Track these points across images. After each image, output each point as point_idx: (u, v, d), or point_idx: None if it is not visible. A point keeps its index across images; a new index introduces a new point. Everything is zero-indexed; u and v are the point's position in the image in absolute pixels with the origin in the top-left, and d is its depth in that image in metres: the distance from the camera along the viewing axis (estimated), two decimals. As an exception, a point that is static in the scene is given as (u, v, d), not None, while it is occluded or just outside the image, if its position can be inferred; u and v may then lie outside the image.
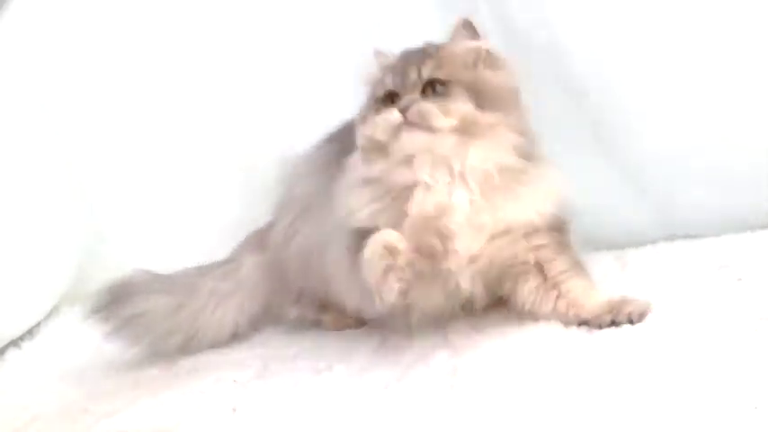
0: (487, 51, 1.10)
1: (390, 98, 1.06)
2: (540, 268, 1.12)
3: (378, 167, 1.07)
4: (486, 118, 1.04)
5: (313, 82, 1.65)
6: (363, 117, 1.10)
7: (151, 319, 1.32)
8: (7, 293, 1.47)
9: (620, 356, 1.01)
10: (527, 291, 1.12)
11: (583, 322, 1.09)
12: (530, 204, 1.09)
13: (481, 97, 1.05)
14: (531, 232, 1.10)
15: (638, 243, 1.49)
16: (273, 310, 1.42)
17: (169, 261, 1.51)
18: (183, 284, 1.37)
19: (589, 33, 1.42)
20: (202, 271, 1.41)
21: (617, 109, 1.46)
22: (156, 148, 1.71)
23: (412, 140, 1.03)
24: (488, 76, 1.09)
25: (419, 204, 1.04)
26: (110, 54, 1.68)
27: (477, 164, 1.05)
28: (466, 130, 1.04)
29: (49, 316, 1.64)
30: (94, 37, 1.68)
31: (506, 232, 1.09)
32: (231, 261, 1.43)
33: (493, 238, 1.08)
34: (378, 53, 1.15)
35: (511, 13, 1.45)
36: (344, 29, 1.60)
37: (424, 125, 1.02)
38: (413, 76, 1.04)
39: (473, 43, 1.10)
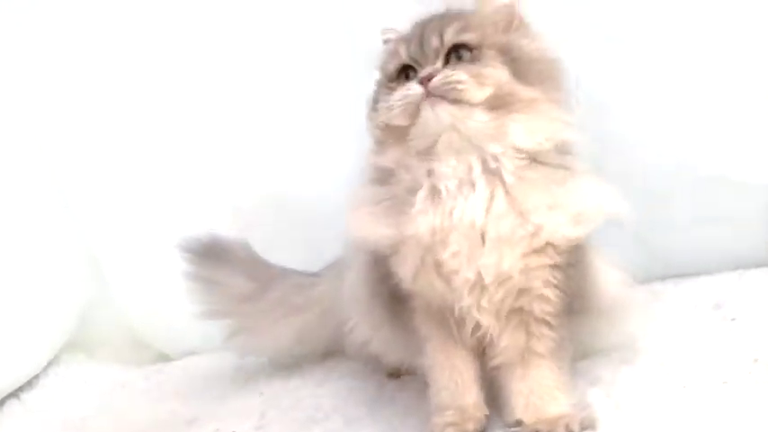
0: (521, 17, 0.91)
1: (406, 73, 0.87)
2: (529, 320, 0.93)
3: (390, 156, 0.89)
4: (527, 91, 0.85)
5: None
6: (375, 102, 0.91)
7: (220, 294, 1.31)
8: (7, 344, 1.46)
9: (613, 397, 1.01)
10: (512, 344, 0.94)
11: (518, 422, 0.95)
12: (573, 215, 0.88)
13: (518, 66, 0.86)
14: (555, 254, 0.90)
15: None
16: (339, 342, 1.27)
17: (173, 308, 1.53)
18: (265, 279, 1.32)
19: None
20: (286, 273, 1.34)
21: (608, 146, 1.47)
22: (156, 194, 1.70)
23: (437, 117, 0.82)
24: (525, 43, 0.88)
25: (414, 225, 0.87)
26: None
27: (522, 142, 0.85)
28: (502, 103, 0.84)
29: (49, 365, 1.62)
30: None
31: (543, 250, 0.88)
32: (313, 276, 1.33)
33: (526, 255, 0.88)
34: (386, 30, 0.95)
35: None
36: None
37: (450, 97, 0.82)
38: (434, 41, 0.84)
39: (504, 1, 0.90)
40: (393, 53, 0.88)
